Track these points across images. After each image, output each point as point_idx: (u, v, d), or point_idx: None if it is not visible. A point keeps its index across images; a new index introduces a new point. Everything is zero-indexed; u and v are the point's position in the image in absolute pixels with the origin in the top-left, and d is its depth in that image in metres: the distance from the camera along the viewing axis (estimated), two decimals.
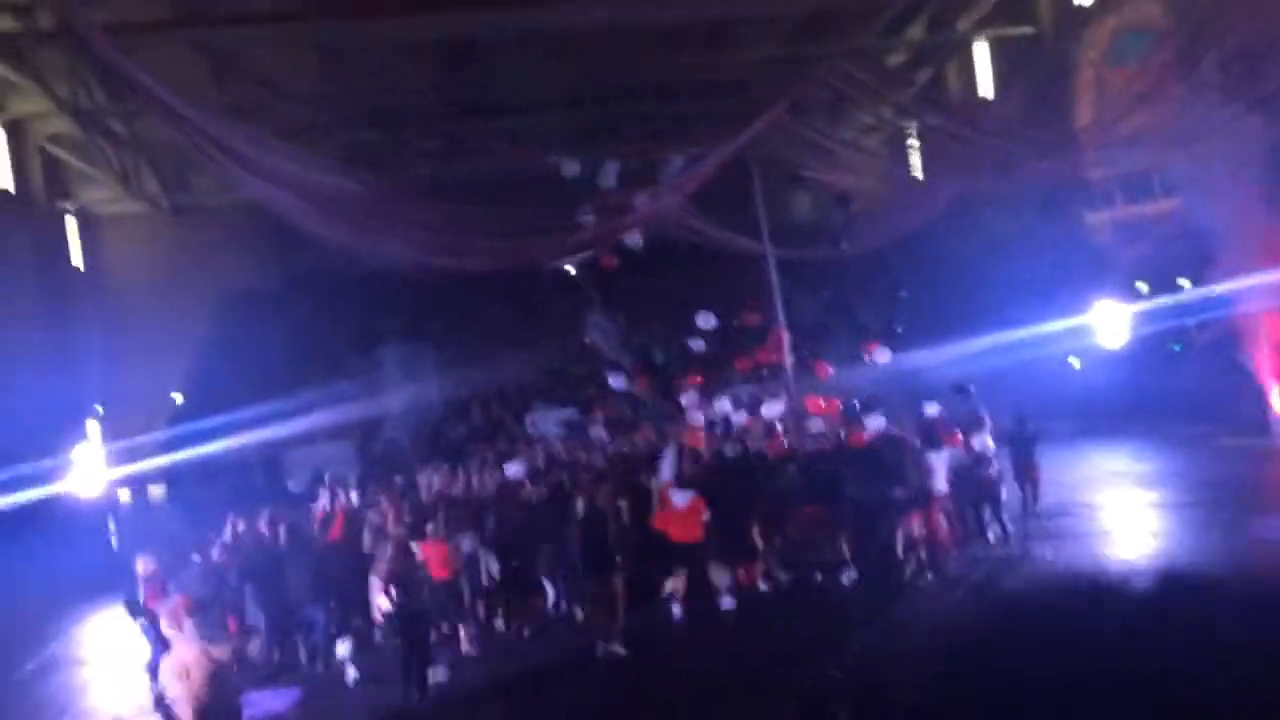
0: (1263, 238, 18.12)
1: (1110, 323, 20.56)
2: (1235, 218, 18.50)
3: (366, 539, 12.08)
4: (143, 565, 11.11)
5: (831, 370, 17.42)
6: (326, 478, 15.91)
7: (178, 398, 26.54)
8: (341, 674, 10.90)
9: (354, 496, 13.83)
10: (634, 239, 16.80)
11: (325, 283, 26.54)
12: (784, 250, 16.07)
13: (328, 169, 13.66)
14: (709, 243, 16.27)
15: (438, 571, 11.15)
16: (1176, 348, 21.21)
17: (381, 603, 10.91)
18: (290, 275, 28.69)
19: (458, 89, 26.71)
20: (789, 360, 15.21)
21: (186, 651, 7.13)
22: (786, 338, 15.22)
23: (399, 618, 10.28)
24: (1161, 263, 22.81)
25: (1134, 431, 19.86)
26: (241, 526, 12.50)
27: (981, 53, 28.39)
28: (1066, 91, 25.29)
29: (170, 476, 21.37)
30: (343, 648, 11.18)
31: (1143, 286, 22.36)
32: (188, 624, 7.61)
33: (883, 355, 16.24)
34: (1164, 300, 20.68)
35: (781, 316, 15.33)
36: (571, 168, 15.26)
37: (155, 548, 11.69)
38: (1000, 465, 13.84)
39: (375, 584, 11.21)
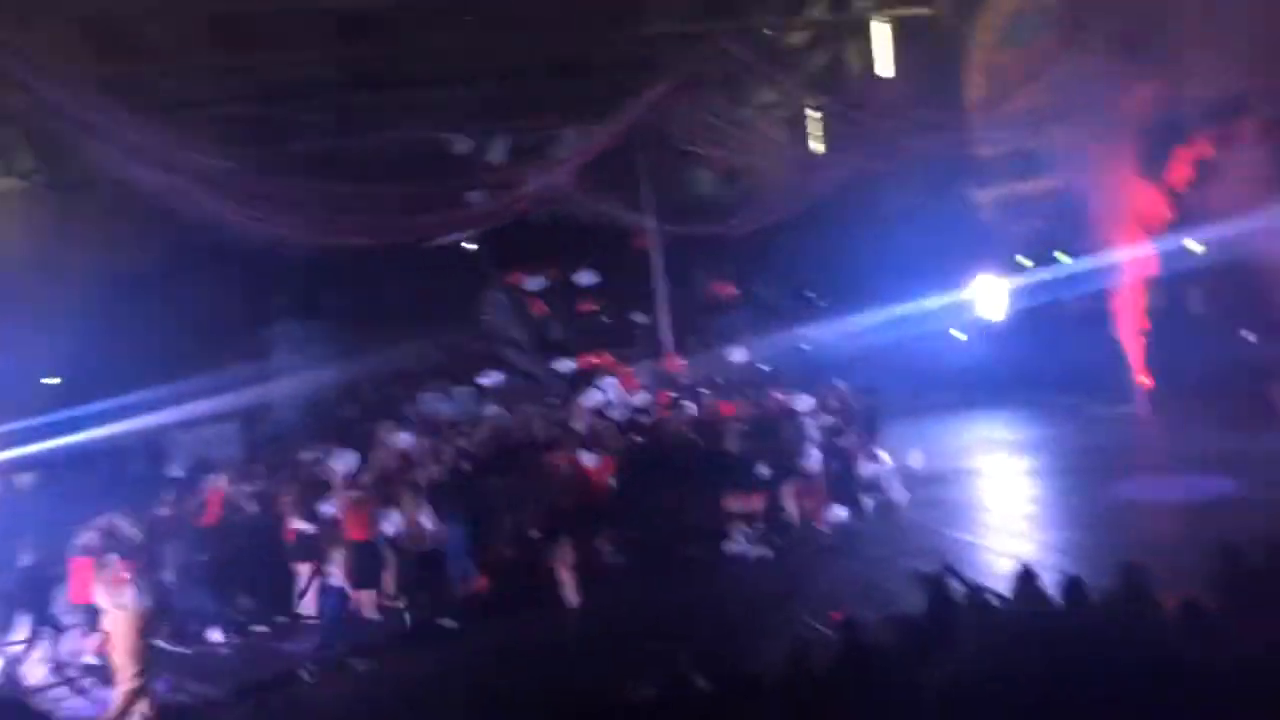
0: (1131, 212, 18.90)
1: (991, 296, 21.14)
2: (1107, 193, 19.21)
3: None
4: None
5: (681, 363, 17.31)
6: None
7: (52, 381, 25.54)
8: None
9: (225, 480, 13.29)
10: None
11: (214, 260, 25.75)
12: (676, 227, 16.20)
13: (203, 147, 13.33)
14: (598, 218, 16.30)
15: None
16: (1050, 324, 21.92)
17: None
18: (176, 253, 27.74)
19: (352, 61, 26.09)
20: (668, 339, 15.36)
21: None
22: (666, 319, 15.38)
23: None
24: (1045, 238, 23.58)
25: (1012, 401, 20.53)
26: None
27: (881, 33, 28.78)
28: (961, 72, 25.91)
29: (42, 463, 20.58)
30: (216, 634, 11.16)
31: (1025, 261, 23.04)
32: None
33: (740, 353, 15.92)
34: (1042, 274, 21.35)
35: (661, 293, 15.46)
36: (463, 143, 15.10)
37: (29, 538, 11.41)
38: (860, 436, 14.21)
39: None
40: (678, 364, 16.00)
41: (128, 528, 11.33)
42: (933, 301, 20.89)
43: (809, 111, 26.50)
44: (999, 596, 7.77)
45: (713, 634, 9.64)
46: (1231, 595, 6.85)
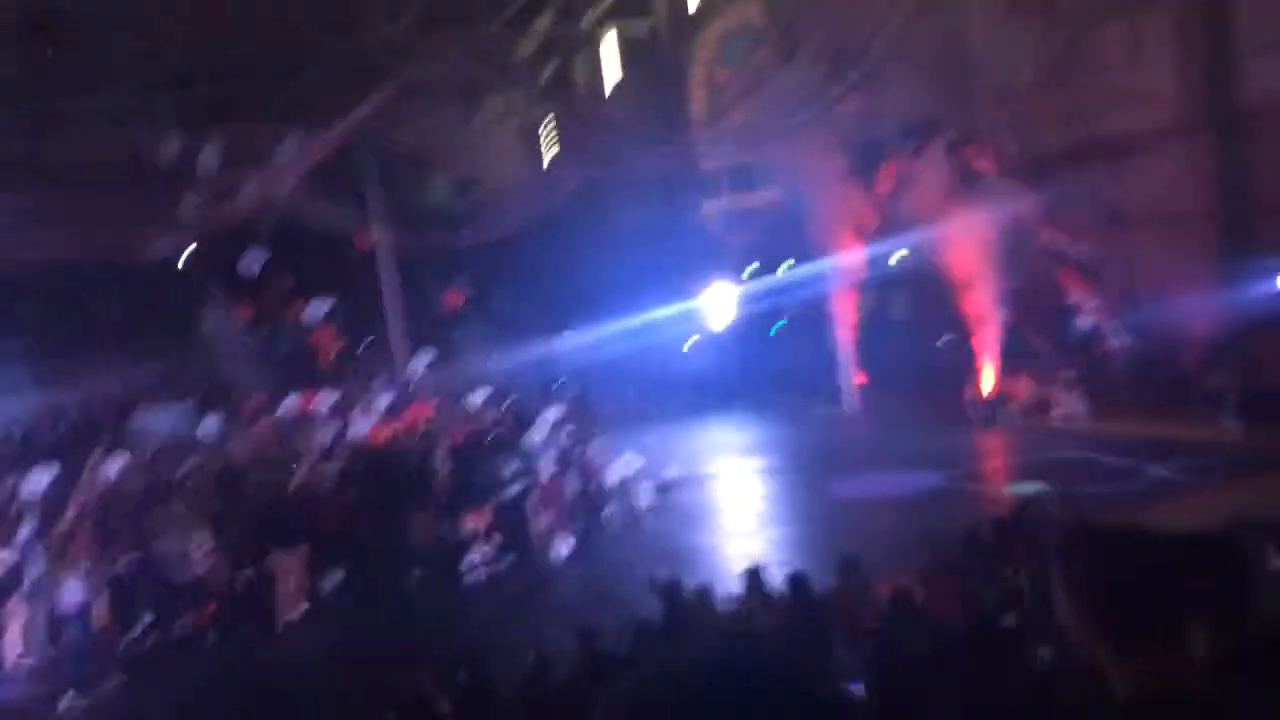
0: (843, 222, 20.24)
1: (718, 305, 22.07)
2: (821, 204, 20.49)
3: None
4: None
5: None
6: None
7: None
8: None
9: None
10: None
11: None
12: (406, 235, 15.80)
13: None
14: (321, 227, 15.69)
15: None
16: (774, 329, 23.12)
17: None
18: None
19: (46, 63, 23.78)
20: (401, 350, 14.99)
21: None
22: (398, 329, 15.04)
23: None
24: (767, 248, 24.81)
25: (740, 405, 21.52)
26: None
27: (609, 46, 29.38)
28: (684, 87, 26.85)
29: None
30: None
31: (749, 270, 24.18)
32: None
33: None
34: (765, 282, 22.48)
35: (392, 304, 15.08)
36: (172, 150, 14.10)
37: None
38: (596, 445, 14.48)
39: None
40: (412, 376, 15.54)
41: None
42: (664, 310, 21.48)
43: (541, 123, 26.75)
44: (727, 598, 8.10)
45: (453, 653, 9.46)
46: (933, 584, 7.43)
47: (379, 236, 15.31)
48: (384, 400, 14.92)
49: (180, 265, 22.22)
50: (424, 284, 28.20)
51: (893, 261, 20.46)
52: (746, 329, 22.59)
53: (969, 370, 17.87)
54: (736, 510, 14.05)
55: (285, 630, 11.18)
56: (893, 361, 19.32)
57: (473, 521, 12.43)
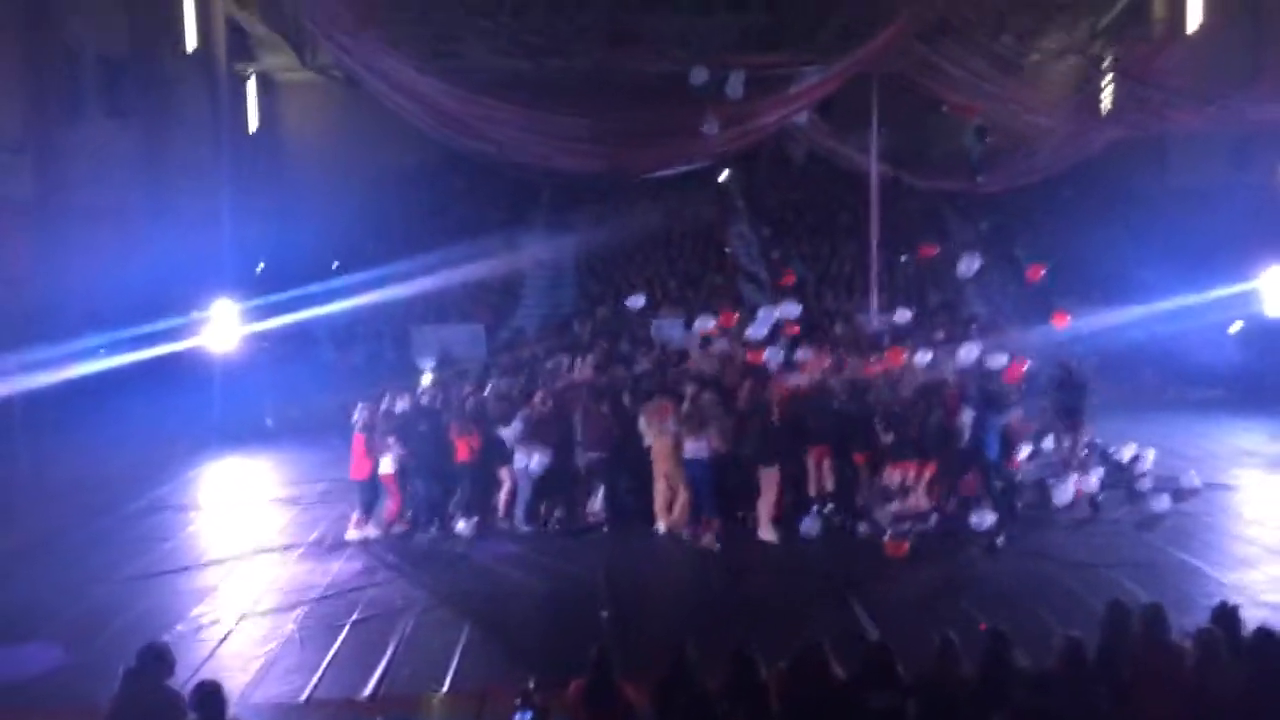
0: None
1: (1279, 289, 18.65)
2: None
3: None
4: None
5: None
6: None
7: (335, 265, 27.57)
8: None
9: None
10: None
11: (478, 165, 26.80)
12: (917, 177, 15.27)
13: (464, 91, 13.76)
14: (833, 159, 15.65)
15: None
16: None
17: None
18: (445, 153, 29.12)
19: None
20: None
21: None
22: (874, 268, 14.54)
23: None
24: None
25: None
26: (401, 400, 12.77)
27: None
28: None
29: (306, 339, 22.46)
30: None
31: None
32: None
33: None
34: None
35: (874, 246, 14.63)
36: (699, 75, 14.77)
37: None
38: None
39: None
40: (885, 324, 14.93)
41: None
42: (1210, 289, 18.64)
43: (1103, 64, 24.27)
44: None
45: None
46: None
47: (888, 172, 14.87)
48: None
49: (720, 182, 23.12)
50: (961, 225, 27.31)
51: None
52: None
53: None
54: (1244, 534, 11.91)
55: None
56: None
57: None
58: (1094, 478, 13.01)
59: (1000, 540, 11.35)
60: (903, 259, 21.72)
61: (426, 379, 15.87)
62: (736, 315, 14.16)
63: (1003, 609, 9.09)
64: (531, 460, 12.13)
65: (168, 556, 11.93)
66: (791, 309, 13.79)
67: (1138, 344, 18.21)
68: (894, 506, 12.00)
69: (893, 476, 12.06)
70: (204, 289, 18.28)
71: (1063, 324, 14.64)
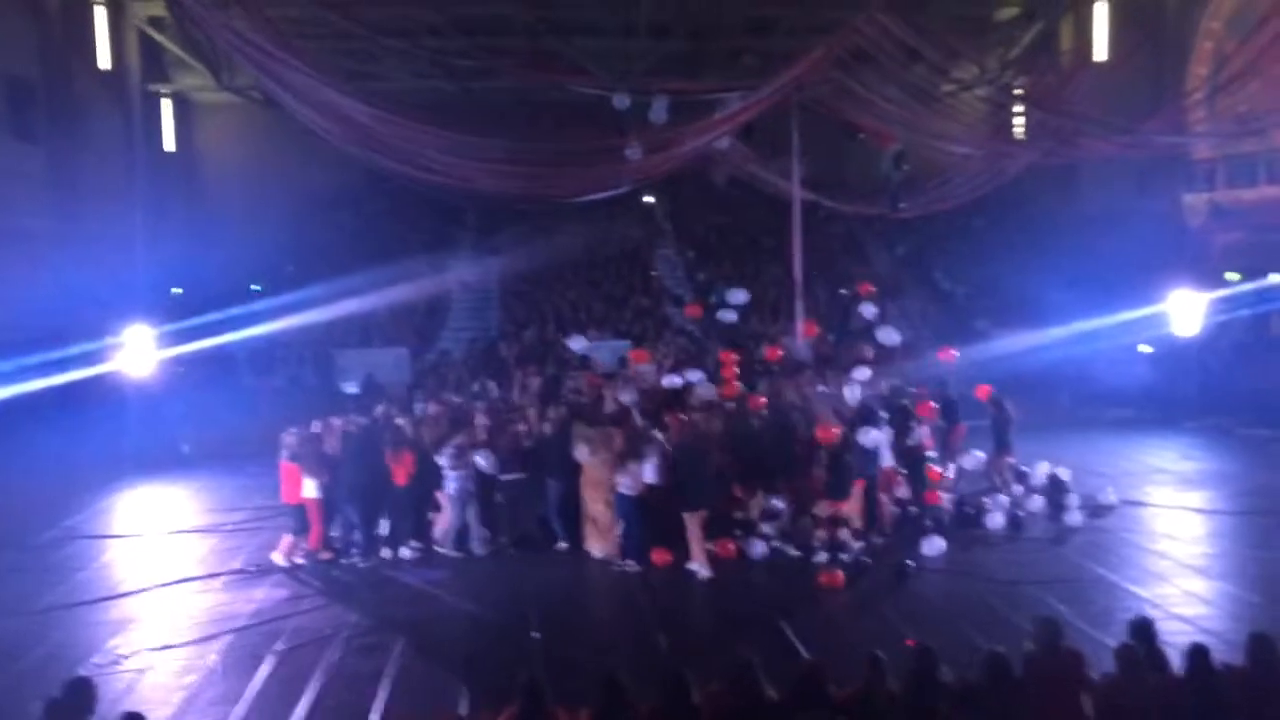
0: None
1: (1184, 310, 19.26)
2: None
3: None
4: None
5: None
6: None
7: (255, 288, 27.10)
8: None
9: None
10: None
11: (401, 187, 26.61)
12: (837, 203, 15.56)
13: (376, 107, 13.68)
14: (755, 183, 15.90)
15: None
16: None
17: None
18: (368, 175, 28.89)
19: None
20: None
21: None
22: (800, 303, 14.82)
23: None
24: (1258, 251, 21.65)
25: (1189, 428, 19.10)
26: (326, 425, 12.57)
27: (1100, 11, 26.85)
28: (1182, 61, 23.87)
29: (225, 363, 22.02)
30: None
31: (1232, 275, 21.17)
32: None
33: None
34: (1247, 289, 19.57)
35: (798, 271, 14.87)
36: (622, 100, 14.92)
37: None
38: None
39: None
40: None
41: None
42: (1118, 311, 19.28)
43: (1014, 93, 25.06)
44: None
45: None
46: None
47: (809, 198, 15.16)
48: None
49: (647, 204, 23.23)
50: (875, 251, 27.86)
51: None
52: (1213, 341, 19.81)
53: None
54: (1158, 549, 12.20)
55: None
56: None
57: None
58: (1020, 498, 13.42)
59: (910, 564, 11.49)
60: (842, 293, 22.08)
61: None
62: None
63: (929, 626, 9.25)
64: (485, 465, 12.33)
65: (82, 587, 11.55)
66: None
67: (1052, 365, 18.81)
68: (822, 533, 12.08)
69: (823, 507, 12.14)
70: (117, 313, 17.84)
71: (948, 359, 15.17)
